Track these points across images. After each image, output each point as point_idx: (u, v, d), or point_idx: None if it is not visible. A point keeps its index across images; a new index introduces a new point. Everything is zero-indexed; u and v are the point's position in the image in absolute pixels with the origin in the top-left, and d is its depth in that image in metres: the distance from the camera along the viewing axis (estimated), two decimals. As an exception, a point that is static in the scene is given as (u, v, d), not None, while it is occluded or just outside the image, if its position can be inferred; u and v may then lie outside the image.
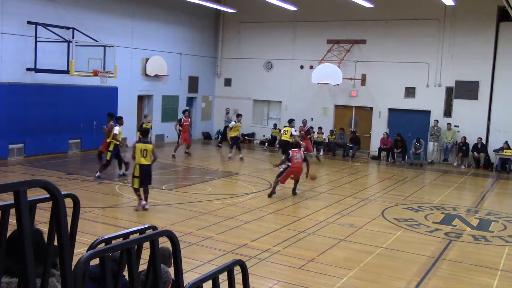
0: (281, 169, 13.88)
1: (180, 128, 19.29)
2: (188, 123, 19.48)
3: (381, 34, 22.30)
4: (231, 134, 19.26)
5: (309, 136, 21.15)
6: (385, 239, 10.05)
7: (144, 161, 11.22)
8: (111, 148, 14.17)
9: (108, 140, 14.42)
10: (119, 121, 14.81)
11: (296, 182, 13.75)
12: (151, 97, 22.74)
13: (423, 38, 21.49)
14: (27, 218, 1.72)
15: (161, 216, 11.17)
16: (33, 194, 2.04)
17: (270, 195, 13.32)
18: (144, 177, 11.26)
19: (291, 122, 19.66)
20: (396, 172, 19.09)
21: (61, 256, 1.81)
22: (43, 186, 1.77)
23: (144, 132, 12.02)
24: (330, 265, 8.44)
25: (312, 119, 23.49)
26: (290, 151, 13.71)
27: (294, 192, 13.70)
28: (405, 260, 8.93)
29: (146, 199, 11.38)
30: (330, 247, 9.38)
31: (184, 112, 20.18)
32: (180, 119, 19.76)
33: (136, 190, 11.27)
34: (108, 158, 14.18)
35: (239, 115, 19.85)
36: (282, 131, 19.94)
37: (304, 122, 21.84)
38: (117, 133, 14.20)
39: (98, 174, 14.22)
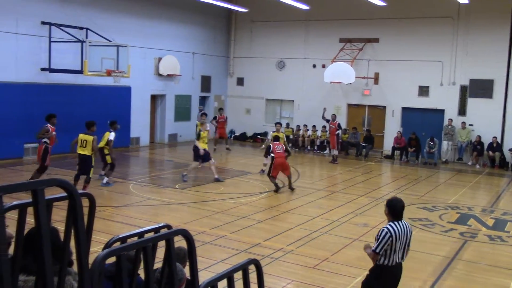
0: (264, 167, 15.43)
1: (216, 125, 21.54)
2: (223, 119, 21.77)
3: (394, 33, 22.17)
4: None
5: (338, 131, 20.19)
6: (399, 238, 9.96)
7: (81, 151, 12.17)
8: (107, 152, 13.71)
9: (101, 146, 13.64)
10: (113, 125, 14.01)
11: (289, 176, 14.00)
12: (164, 97, 22.83)
13: (436, 36, 21.32)
14: (45, 216, 1.72)
15: (174, 215, 11.21)
16: (49, 193, 2.05)
17: (276, 191, 13.70)
18: (82, 166, 12.18)
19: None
20: (410, 171, 18.95)
21: (78, 255, 1.82)
22: (60, 185, 1.78)
23: (87, 124, 12.52)
24: (344, 264, 8.41)
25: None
26: (270, 144, 14.47)
27: (290, 187, 13.96)
28: (420, 260, 8.85)
29: (84, 189, 11.59)
30: (344, 247, 9.34)
31: (219, 110, 22.79)
32: (216, 117, 22.14)
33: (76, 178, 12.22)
34: (110, 161, 13.74)
35: (203, 114, 18.40)
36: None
37: (333, 117, 20.47)
38: (112, 139, 13.65)
39: (106, 180, 13.68)
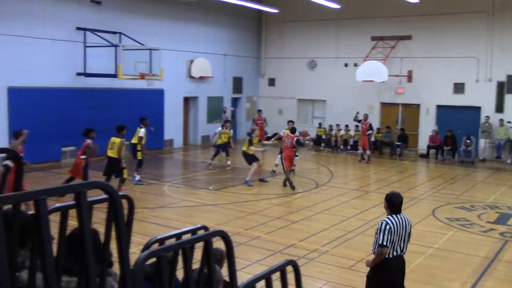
0: (275, 167, 15.99)
1: (256, 126, 21.60)
2: (262, 121, 22.34)
3: (427, 29, 21.78)
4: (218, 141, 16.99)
5: (369, 132, 20.00)
6: (436, 239, 9.80)
7: (110, 153, 12.45)
8: (139, 148, 14.11)
9: (133, 142, 14.31)
10: (143, 122, 14.54)
11: (286, 171, 14.27)
12: (196, 99, 23.02)
13: (471, 32, 20.84)
14: (87, 218, 1.75)
15: (208, 216, 11.28)
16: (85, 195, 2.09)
17: (293, 188, 13.89)
18: (111, 168, 12.46)
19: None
20: (446, 170, 18.57)
21: (120, 256, 1.84)
22: (101, 188, 1.80)
23: (118, 128, 12.81)
24: (380, 265, 8.29)
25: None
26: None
27: (284, 182, 14.30)
28: (459, 261, 8.67)
29: (118, 189, 11.82)
30: (380, 247, 9.21)
31: (258, 111, 23.52)
32: (254, 118, 23.24)
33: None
34: (140, 157, 14.09)
35: (227, 121, 17.82)
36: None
37: (365, 117, 20.30)
38: (143, 135, 14.05)
39: (138, 178, 14.08)
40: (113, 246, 2.32)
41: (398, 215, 5.68)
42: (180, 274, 3.20)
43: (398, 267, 5.75)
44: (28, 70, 16.12)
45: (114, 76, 17.15)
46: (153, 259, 2.22)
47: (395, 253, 5.66)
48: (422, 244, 9.42)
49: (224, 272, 4.47)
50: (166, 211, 11.73)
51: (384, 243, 5.53)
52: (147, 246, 2.54)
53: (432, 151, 21.08)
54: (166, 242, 2.56)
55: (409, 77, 22.33)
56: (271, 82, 26.20)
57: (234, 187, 14.51)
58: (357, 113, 20.25)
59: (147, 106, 19.71)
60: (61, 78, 17.12)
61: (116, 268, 3.08)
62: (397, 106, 23.02)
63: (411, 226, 5.80)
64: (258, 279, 2.58)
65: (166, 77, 18.81)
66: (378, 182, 15.93)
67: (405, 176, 17.14)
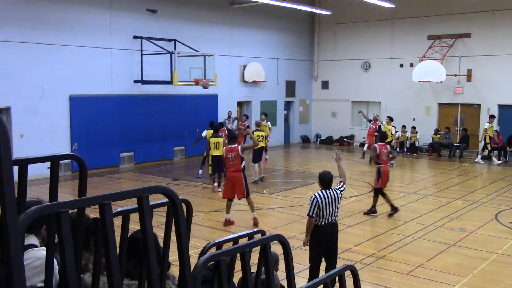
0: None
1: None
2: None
3: (488, 26, 20.98)
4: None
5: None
6: (500, 244, 9.40)
7: (216, 153, 13.41)
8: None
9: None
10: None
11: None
12: (250, 103, 23.16)
13: (535, 28, 19.93)
14: (150, 222, 1.79)
15: (263, 220, 11.28)
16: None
17: (390, 215, 11.27)
18: (219, 165, 13.57)
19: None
20: (510, 172, 17.81)
21: (180, 260, 1.86)
22: (163, 192, 1.83)
23: (215, 128, 14.01)
24: (440, 271, 8.05)
25: (414, 119, 22.66)
26: (376, 145, 11.59)
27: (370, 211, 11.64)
28: (525, 267, 8.28)
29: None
30: (439, 253, 8.94)
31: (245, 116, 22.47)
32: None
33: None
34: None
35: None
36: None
37: (375, 117, 19.88)
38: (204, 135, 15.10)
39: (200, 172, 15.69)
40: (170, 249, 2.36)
41: (328, 190, 6.78)
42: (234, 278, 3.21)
43: (330, 233, 6.78)
44: (87, 78, 16.71)
45: (170, 82, 17.53)
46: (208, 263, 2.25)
47: (326, 221, 6.75)
48: (485, 250, 9.07)
49: (279, 276, 4.46)
50: (221, 215, 11.82)
51: (310, 214, 6.70)
52: (204, 250, 2.57)
53: (494, 152, 20.27)
54: (223, 246, 2.58)
55: (469, 76, 21.59)
56: (325, 84, 26.00)
57: (289, 190, 14.48)
58: (375, 114, 20.59)
59: (201, 111, 20.01)
60: (119, 86, 17.66)
61: (172, 270, 3.13)
62: (456, 107, 22.30)
63: (340, 199, 6.85)
64: (316, 284, 2.55)
65: (219, 82, 19.05)
66: (437, 185, 15.46)
67: (465, 179, 16.56)
